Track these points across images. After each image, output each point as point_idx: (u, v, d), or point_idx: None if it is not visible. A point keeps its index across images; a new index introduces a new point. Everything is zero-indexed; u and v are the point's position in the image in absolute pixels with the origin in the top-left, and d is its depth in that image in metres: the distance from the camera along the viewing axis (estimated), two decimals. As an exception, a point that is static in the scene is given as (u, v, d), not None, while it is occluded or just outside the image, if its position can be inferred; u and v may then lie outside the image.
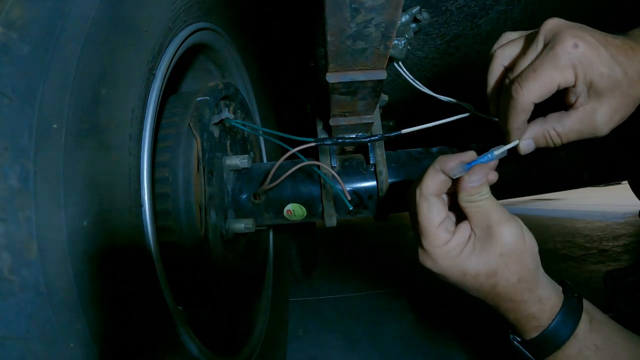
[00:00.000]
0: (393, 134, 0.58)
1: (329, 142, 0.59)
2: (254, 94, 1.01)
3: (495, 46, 0.46)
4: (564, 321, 0.43)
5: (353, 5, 0.34)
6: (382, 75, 0.47)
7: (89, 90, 0.39)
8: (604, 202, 3.69)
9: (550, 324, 0.43)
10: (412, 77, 0.67)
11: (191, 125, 0.60)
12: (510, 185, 0.80)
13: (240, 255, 0.72)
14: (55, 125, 0.35)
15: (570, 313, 0.43)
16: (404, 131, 0.57)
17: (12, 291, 0.31)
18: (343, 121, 0.62)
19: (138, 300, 0.44)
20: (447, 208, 0.46)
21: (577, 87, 0.39)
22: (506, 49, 0.45)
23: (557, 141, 0.43)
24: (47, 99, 0.34)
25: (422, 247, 0.44)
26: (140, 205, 0.47)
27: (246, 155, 0.69)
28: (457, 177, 0.43)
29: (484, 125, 0.62)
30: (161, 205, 0.57)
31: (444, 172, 0.43)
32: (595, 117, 0.40)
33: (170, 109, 0.64)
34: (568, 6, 0.75)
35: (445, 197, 0.47)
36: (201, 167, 0.59)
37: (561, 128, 0.42)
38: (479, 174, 0.42)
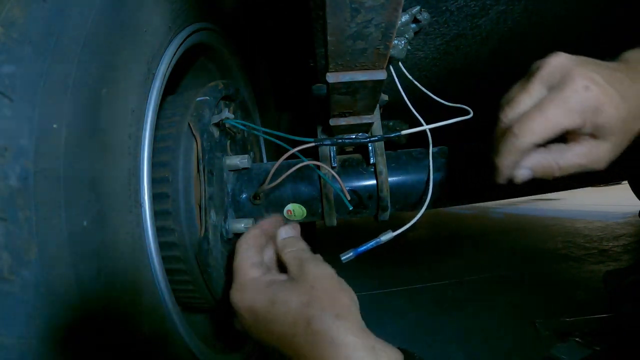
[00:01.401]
0: (393, 134, 0.58)
1: (329, 143, 0.59)
2: (254, 94, 1.01)
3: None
4: None
5: (353, 5, 0.34)
6: (382, 75, 0.47)
7: (89, 90, 0.39)
8: (604, 202, 3.69)
9: None
10: (412, 77, 0.67)
11: (191, 125, 0.60)
12: (510, 185, 0.80)
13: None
14: (55, 125, 0.35)
15: None
16: (403, 132, 0.57)
17: (12, 291, 0.31)
18: (343, 121, 0.62)
19: (138, 300, 0.44)
20: (263, 260, 0.48)
21: (583, 129, 0.37)
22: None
23: (557, 173, 0.41)
24: (47, 99, 0.34)
25: (233, 284, 0.45)
26: (140, 205, 0.47)
27: (246, 155, 0.69)
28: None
29: (484, 125, 0.62)
30: (161, 205, 0.57)
31: (264, 233, 0.50)
32: (598, 152, 0.38)
33: (170, 109, 0.64)
34: (568, 6, 0.75)
35: (270, 259, 0.50)
36: (201, 167, 0.59)
37: (563, 161, 0.40)
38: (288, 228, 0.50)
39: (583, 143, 0.39)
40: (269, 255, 0.50)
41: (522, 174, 0.41)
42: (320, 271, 0.42)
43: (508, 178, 0.42)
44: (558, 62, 0.38)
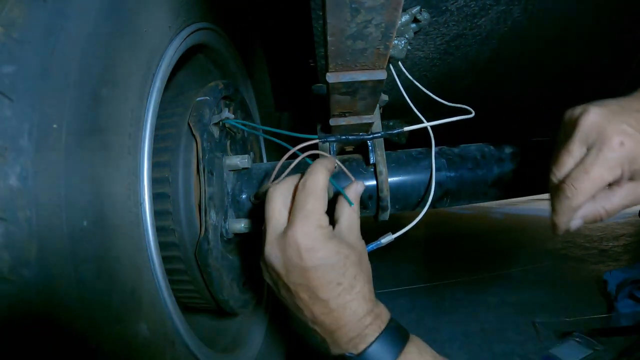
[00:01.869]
0: (395, 131, 0.58)
1: (332, 139, 0.59)
2: (254, 94, 1.01)
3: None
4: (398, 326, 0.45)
5: (353, 5, 0.34)
6: (382, 75, 0.47)
7: (89, 90, 0.39)
8: (604, 202, 3.68)
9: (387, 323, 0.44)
10: (412, 77, 0.67)
11: (191, 125, 0.60)
12: (510, 185, 0.80)
13: (241, 255, 0.72)
14: (55, 125, 0.35)
15: (398, 333, 0.44)
16: (406, 128, 0.57)
17: (12, 291, 0.31)
18: (343, 121, 0.62)
19: (138, 300, 0.44)
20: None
21: (623, 177, 0.43)
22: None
23: (605, 217, 0.47)
24: (47, 99, 0.34)
25: (302, 228, 0.43)
26: (140, 205, 0.47)
27: (246, 155, 0.69)
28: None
29: (483, 126, 0.62)
30: (161, 205, 0.57)
31: (330, 172, 0.49)
32: (637, 191, 0.44)
33: (170, 109, 0.64)
34: (568, 6, 0.75)
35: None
36: (201, 167, 0.59)
37: (609, 206, 0.45)
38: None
39: (624, 187, 0.44)
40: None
41: (575, 224, 0.47)
42: (362, 243, 0.48)
43: (565, 231, 0.49)
44: (591, 121, 0.43)
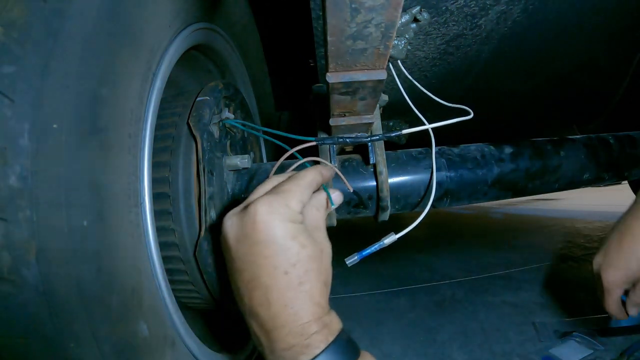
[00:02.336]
0: (394, 133, 0.58)
1: (330, 142, 0.59)
2: (254, 94, 1.01)
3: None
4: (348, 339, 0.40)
5: (353, 5, 0.34)
6: (382, 75, 0.47)
7: (89, 90, 0.39)
8: (604, 202, 3.69)
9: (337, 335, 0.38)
10: (412, 77, 0.67)
11: (191, 125, 0.60)
12: (510, 185, 0.80)
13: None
14: (55, 125, 0.35)
15: (348, 348, 0.39)
16: (404, 131, 0.57)
17: (12, 291, 0.31)
18: (343, 121, 0.62)
19: (138, 300, 0.44)
20: None
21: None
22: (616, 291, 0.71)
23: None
24: (47, 99, 0.34)
25: (270, 199, 0.39)
26: (140, 205, 0.47)
27: (246, 155, 0.69)
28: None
29: (482, 126, 0.62)
30: (161, 205, 0.57)
31: (323, 177, 0.46)
32: None
33: (170, 109, 0.64)
34: (568, 5, 0.75)
35: None
36: (201, 167, 0.59)
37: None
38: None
39: None
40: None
41: (633, 311, 0.69)
42: (328, 244, 0.44)
43: (621, 318, 0.71)
44: (608, 281, 0.72)
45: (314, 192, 0.45)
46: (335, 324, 0.40)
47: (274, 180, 0.45)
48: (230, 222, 0.40)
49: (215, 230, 0.58)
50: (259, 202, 0.38)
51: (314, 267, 0.39)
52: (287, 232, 0.38)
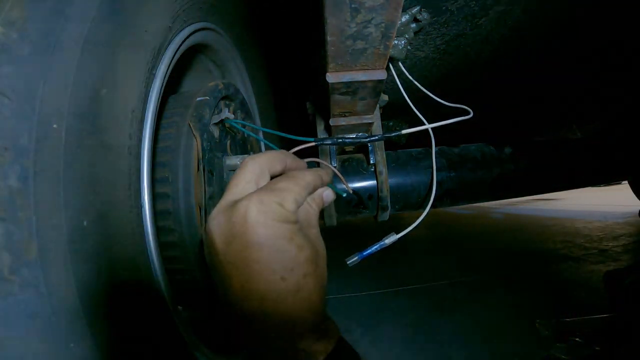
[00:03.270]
0: (393, 134, 0.58)
1: (329, 142, 0.59)
2: (254, 94, 1.00)
3: None
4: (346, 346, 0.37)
5: (353, 5, 0.34)
6: (382, 75, 0.47)
7: (89, 90, 0.39)
8: (604, 202, 3.69)
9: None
10: (412, 77, 0.67)
11: (191, 125, 0.60)
12: (510, 185, 0.80)
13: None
14: (55, 125, 0.35)
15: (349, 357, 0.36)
16: (404, 131, 0.57)
17: (12, 291, 0.31)
18: (343, 121, 0.62)
19: (138, 301, 0.44)
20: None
21: None
22: None
23: None
24: (47, 99, 0.34)
25: (263, 199, 0.35)
26: (140, 205, 0.47)
27: (246, 155, 0.69)
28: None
29: (483, 125, 0.62)
30: (161, 205, 0.57)
31: (321, 179, 0.43)
32: None
33: (170, 109, 0.64)
34: (568, 5, 0.75)
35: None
36: (201, 167, 0.59)
37: None
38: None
39: None
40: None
41: None
42: (322, 244, 0.41)
43: None
44: None
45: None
46: (333, 331, 0.37)
47: (273, 158, 0.41)
48: (217, 222, 0.35)
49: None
50: (251, 200, 0.34)
51: (312, 270, 0.35)
52: (282, 233, 0.34)
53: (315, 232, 0.41)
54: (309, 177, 0.40)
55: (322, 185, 0.43)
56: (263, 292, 0.33)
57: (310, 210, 0.42)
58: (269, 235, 0.33)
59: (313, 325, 0.35)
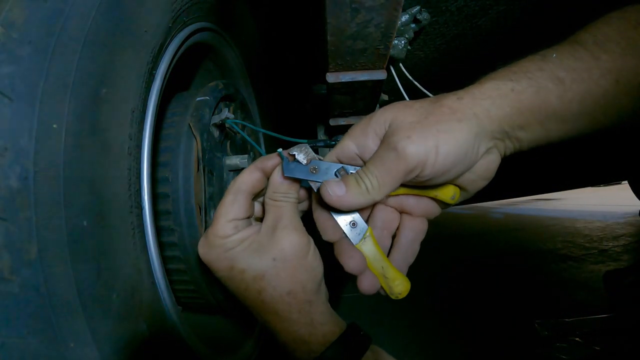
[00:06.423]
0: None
1: (322, 144, 0.59)
2: (254, 94, 1.00)
3: None
4: (339, 352, 0.38)
5: (353, 5, 0.34)
6: (382, 75, 0.47)
7: (89, 90, 0.39)
8: (604, 202, 3.69)
9: (322, 351, 0.39)
10: (412, 77, 0.67)
11: (191, 125, 0.60)
12: (510, 185, 0.80)
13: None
14: (55, 125, 0.35)
15: (349, 346, 0.39)
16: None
17: (12, 291, 0.31)
18: (343, 121, 0.63)
19: (138, 301, 0.44)
20: (251, 214, 0.44)
21: None
22: None
23: None
24: (47, 99, 0.34)
25: (205, 233, 0.43)
26: (140, 205, 0.47)
27: (246, 155, 0.69)
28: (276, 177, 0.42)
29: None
30: (161, 205, 0.57)
31: (262, 171, 0.43)
32: None
33: (170, 109, 0.64)
34: (568, 5, 0.75)
35: (259, 208, 0.46)
36: (201, 167, 0.59)
37: None
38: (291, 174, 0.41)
39: None
40: (257, 210, 0.46)
41: None
42: (289, 242, 0.40)
43: None
44: None
45: (288, 184, 0.42)
46: (341, 322, 0.42)
47: (257, 170, 0.43)
48: (201, 252, 0.42)
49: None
50: (199, 243, 0.42)
51: (264, 284, 0.39)
52: (221, 266, 0.40)
53: (286, 233, 0.40)
54: (237, 182, 0.42)
55: (267, 173, 0.43)
56: (255, 309, 0.41)
57: (278, 212, 0.42)
58: (216, 269, 0.41)
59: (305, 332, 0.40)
